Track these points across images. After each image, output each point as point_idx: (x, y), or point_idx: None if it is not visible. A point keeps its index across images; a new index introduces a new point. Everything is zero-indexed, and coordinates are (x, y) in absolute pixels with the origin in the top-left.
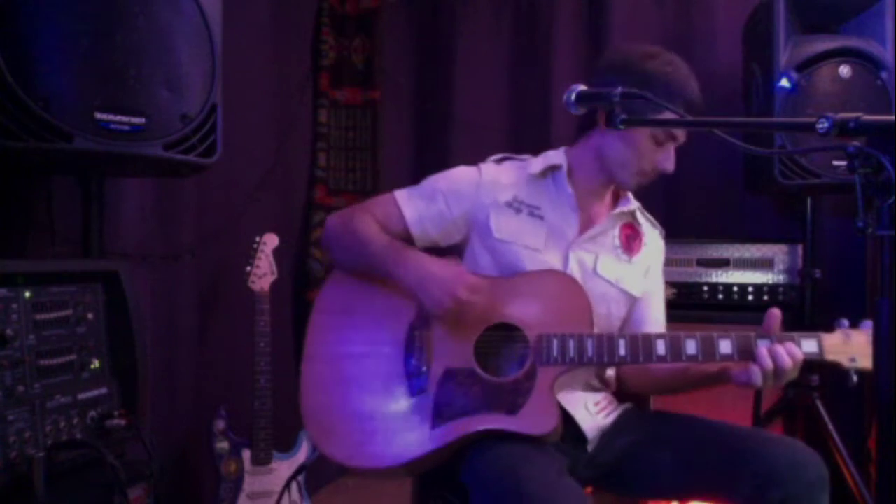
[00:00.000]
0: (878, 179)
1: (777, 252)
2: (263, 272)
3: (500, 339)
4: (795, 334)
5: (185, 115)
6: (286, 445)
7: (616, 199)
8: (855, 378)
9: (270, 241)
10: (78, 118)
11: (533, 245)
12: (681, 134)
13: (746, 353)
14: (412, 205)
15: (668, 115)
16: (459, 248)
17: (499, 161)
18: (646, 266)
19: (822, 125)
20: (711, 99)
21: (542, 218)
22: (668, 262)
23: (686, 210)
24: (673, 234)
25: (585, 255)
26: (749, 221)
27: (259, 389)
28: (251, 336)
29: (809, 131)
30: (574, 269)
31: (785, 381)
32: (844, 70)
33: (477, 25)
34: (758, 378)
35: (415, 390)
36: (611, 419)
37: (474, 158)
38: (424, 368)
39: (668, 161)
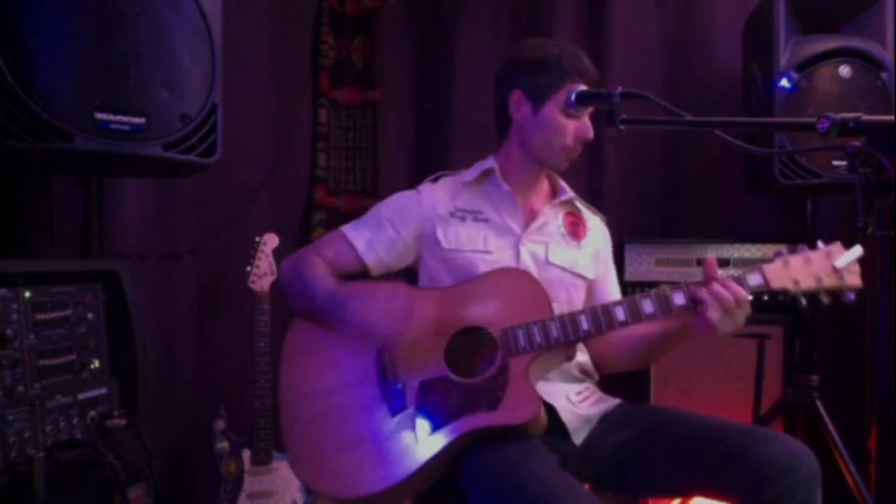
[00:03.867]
0: (878, 179)
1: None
2: (263, 272)
3: (468, 342)
4: (741, 272)
5: (185, 115)
6: None
7: (554, 191)
8: (804, 301)
9: (270, 241)
10: (78, 118)
11: (483, 248)
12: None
13: (696, 300)
14: (360, 235)
15: (571, 87)
16: (414, 268)
17: (434, 179)
18: (594, 249)
19: (822, 125)
20: (711, 99)
21: (486, 220)
22: (668, 262)
23: (686, 210)
24: (673, 234)
25: (535, 247)
26: (749, 221)
27: (259, 389)
28: (251, 336)
29: (809, 131)
30: (527, 262)
31: (742, 317)
32: (844, 70)
33: (477, 25)
34: (713, 317)
35: (395, 409)
36: (596, 410)
37: (474, 158)
38: (400, 386)
39: (586, 130)
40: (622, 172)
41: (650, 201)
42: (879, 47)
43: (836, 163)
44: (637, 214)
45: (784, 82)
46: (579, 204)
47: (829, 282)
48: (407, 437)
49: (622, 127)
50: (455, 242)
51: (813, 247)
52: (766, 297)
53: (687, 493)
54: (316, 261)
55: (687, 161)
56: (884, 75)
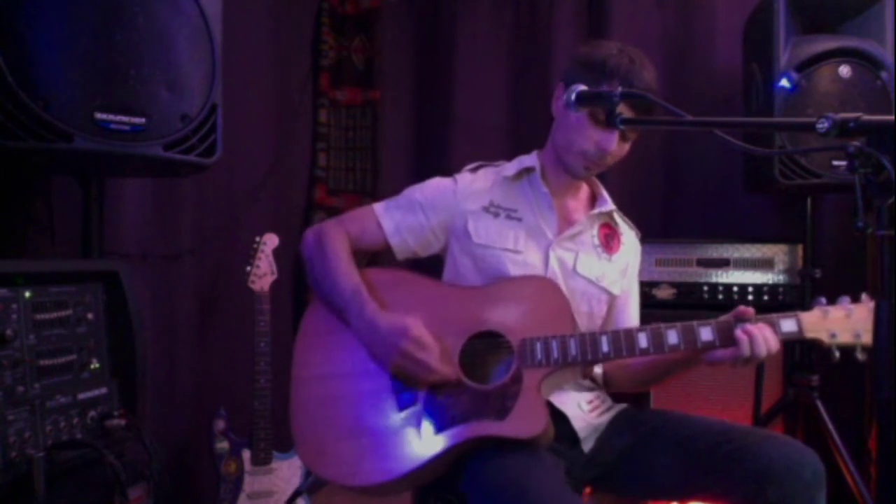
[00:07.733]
0: (878, 179)
1: (777, 252)
2: (263, 272)
3: (485, 346)
4: (774, 316)
5: (185, 115)
6: (286, 445)
7: (594, 200)
8: (837, 354)
9: (270, 241)
10: (78, 118)
11: (513, 247)
12: (624, 110)
13: (728, 339)
14: (390, 217)
15: (605, 89)
16: (440, 257)
17: (473, 169)
18: (624, 264)
19: (822, 125)
20: (711, 99)
21: (519, 220)
22: (668, 262)
23: (686, 210)
24: (673, 234)
25: (565, 254)
26: (749, 221)
27: (259, 389)
28: (251, 336)
29: (809, 131)
30: (555, 268)
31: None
32: (844, 70)
33: (477, 25)
34: (737, 361)
35: (403, 404)
36: (605, 418)
37: (474, 158)
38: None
39: (606, 141)
40: (622, 172)
41: (650, 201)
42: (879, 47)
43: (836, 163)
44: (637, 214)
45: (784, 82)
46: (617, 217)
47: (869, 339)
48: (410, 433)
49: (622, 127)
50: (486, 238)
51: (856, 299)
52: (765, 298)
53: (689, 496)
54: (340, 236)
55: (687, 161)
56: (884, 75)
